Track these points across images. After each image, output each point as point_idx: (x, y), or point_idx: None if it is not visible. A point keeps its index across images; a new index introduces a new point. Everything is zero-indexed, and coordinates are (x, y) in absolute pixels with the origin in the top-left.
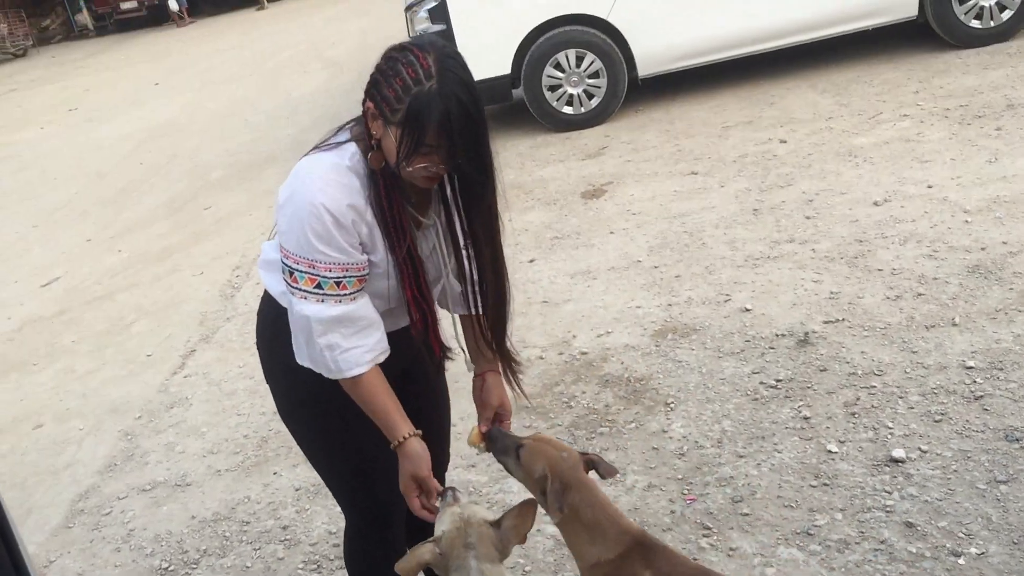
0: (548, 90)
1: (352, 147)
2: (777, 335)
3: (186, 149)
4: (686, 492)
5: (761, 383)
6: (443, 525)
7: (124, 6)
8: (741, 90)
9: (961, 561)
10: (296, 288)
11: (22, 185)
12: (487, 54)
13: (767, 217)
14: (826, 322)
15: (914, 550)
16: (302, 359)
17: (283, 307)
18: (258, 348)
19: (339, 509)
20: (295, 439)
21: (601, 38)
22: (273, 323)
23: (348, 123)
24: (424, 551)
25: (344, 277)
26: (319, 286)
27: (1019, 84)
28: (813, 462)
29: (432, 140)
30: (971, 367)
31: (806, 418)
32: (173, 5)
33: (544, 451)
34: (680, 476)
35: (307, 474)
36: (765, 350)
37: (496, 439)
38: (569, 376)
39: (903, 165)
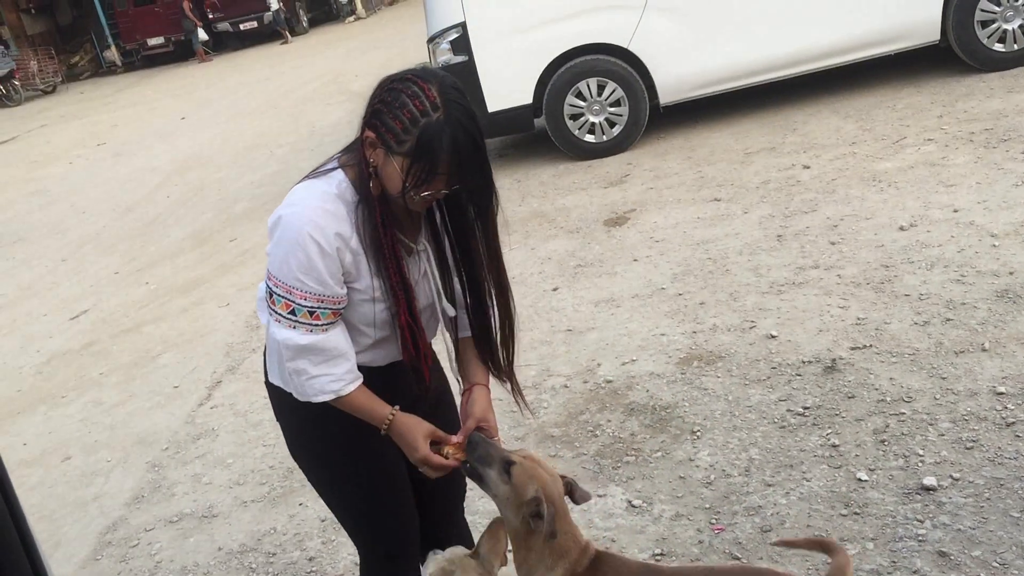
0: (570, 119)
1: (340, 174)
2: (804, 362)
3: (212, 181)
4: (714, 522)
5: (788, 410)
6: (429, 569)
7: (151, 42)
8: (763, 116)
9: None
10: (273, 310)
11: (51, 219)
12: (509, 84)
13: (791, 243)
14: (853, 348)
15: None
16: (274, 377)
17: None
18: (267, 388)
19: None
20: (306, 476)
21: (622, 66)
22: (271, 360)
23: (336, 153)
24: None
25: (319, 308)
26: (293, 312)
27: None
28: (843, 490)
29: (444, 169)
30: (1002, 393)
31: (835, 446)
32: (198, 42)
33: (538, 474)
34: (708, 505)
35: None
36: (792, 377)
37: (477, 445)
38: (594, 405)
39: (928, 189)
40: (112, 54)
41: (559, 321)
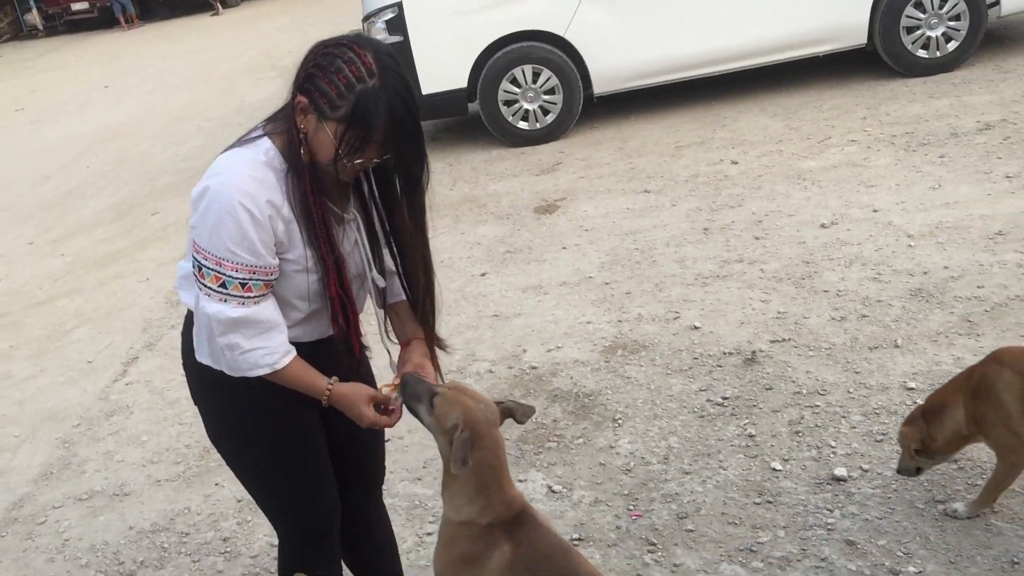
0: (504, 105)
1: (266, 142)
2: (725, 353)
3: (135, 153)
4: (632, 508)
5: (708, 400)
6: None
7: (75, 7)
8: (694, 111)
9: None
10: (202, 284)
11: None
12: (444, 67)
13: (717, 236)
14: (773, 341)
15: (854, 568)
16: (202, 356)
17: None
18: (184, 369)
19: None
20: (224, 459)
21: (558, 55)
22: (189, 340)
23: (261, 123)
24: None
25: (250, 279)
26: (224, 285)
27: (963, 113)
28: (757, 479)
29: (378, 136)
30: (912, 388)
31: (751, 436)
32: (119, 9)
33: (460, 400)
34: (626, 492)
35: None
36: (713, 368)
37: (409, 384)
38: (518, 390)
39: (850, 189)
40: (33, 17)
41: (486, 306)
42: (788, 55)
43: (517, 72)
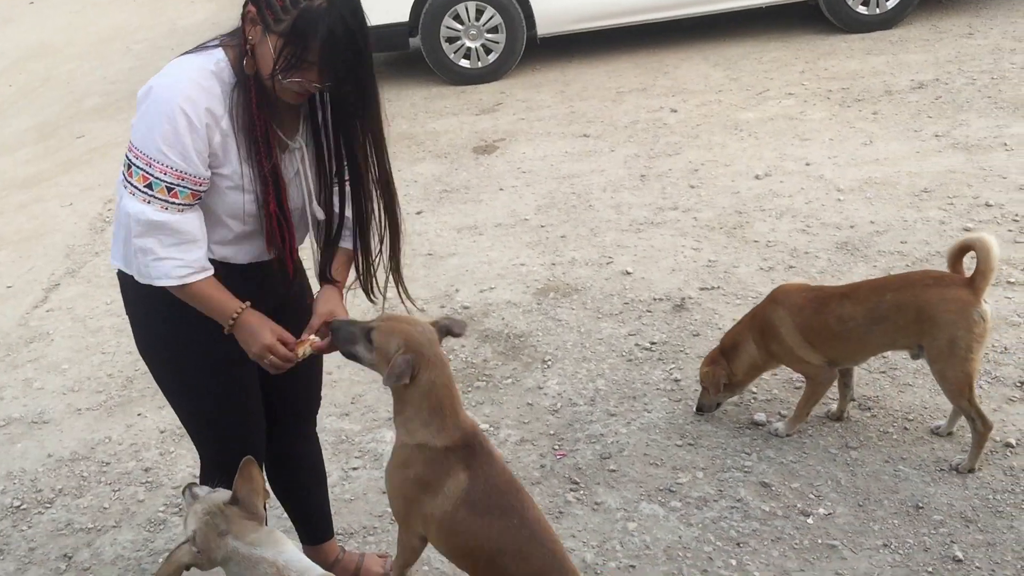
0: (446, 42)
1: (220, 53)
2: (655, 299)
3: (61, 73)
4: (557, 447)
5: (636, 345)
6: (192, 525)
7: None
8: (637, 57)
9: (810, 520)
10: (129, 182)
11: None
12: (385, 0)
13: (654, 184)
14: (702, 289)
15: (767, 508)
16: (115, 258)
17: None
18: (119, 277)
19: None
20: (152, 375)
21: None
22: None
23: (222, 34)
24: (182, 553)
25: (177, 185)
26: (150, 186)
27: (898, 71)
28: (680, 423)
29: (313, 57)
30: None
31: (677, 380)
32: None
33: (399, 328)
34: (552, 432)
35: (172, 416)
36: (642, 313)
37: (339, 328)
38: None
39: (785, 142)
40: None
41: (420, 245)
42: (732, 5)
43: (460, 9)
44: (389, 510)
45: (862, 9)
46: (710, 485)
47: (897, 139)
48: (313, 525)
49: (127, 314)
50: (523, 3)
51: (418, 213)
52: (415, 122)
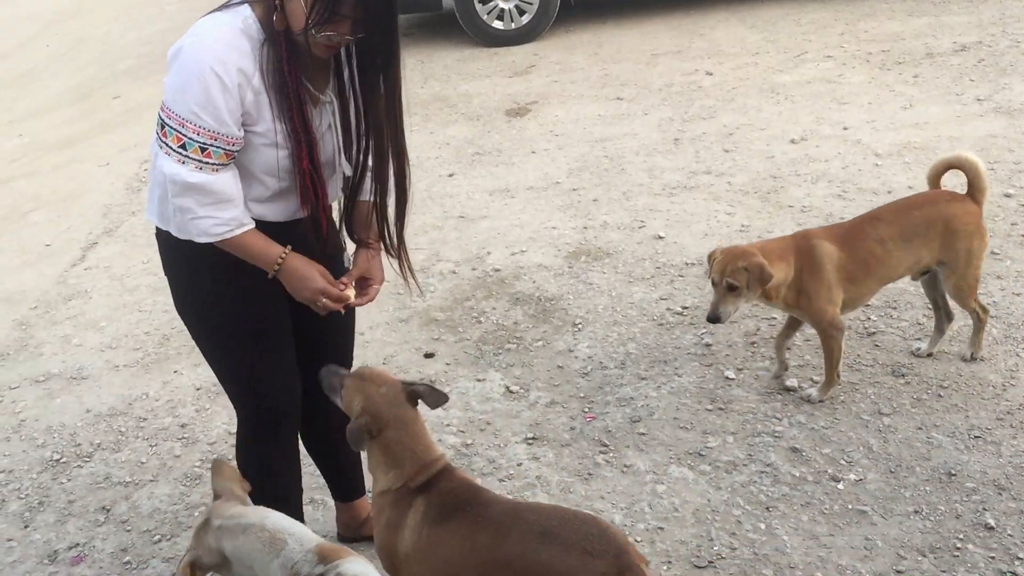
0: (479, 2)
1: (246, 10)
2: (687, 264)
3: (96, 35)
4: (587, 410)
5: (668, 309)
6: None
7: None
8: (672, 19)
9: (840, 486)
10: (163, 142)
11: None
12: None
13: (687, 147)
14: None
15: (797, 473)
16: (151, 214)
17: None
18: (157, 237)
19: None
20: (191, 333)
21: None
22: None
23: None
24: (184, 557)
25: (211, 145)
26: (184, 147)
27: (940, 33)
28: (710, 387)
29: (347, 10)
30: (868, 304)
31: (708, 345)
32: None
33: (361, 388)
34: (582, 395)
35: (208, 374)
36: (674, 277)
37: (324, 377)
38: (480, 292)
39: (822, 105)
40: None
41: (452, 207)
42: None
43: None
44: None
45: None
46: (740, 449)
47: (937, 103)
48: (345, 482)
49: (164, 273)
50: None
51: (450, 175)
52: (447, 84)
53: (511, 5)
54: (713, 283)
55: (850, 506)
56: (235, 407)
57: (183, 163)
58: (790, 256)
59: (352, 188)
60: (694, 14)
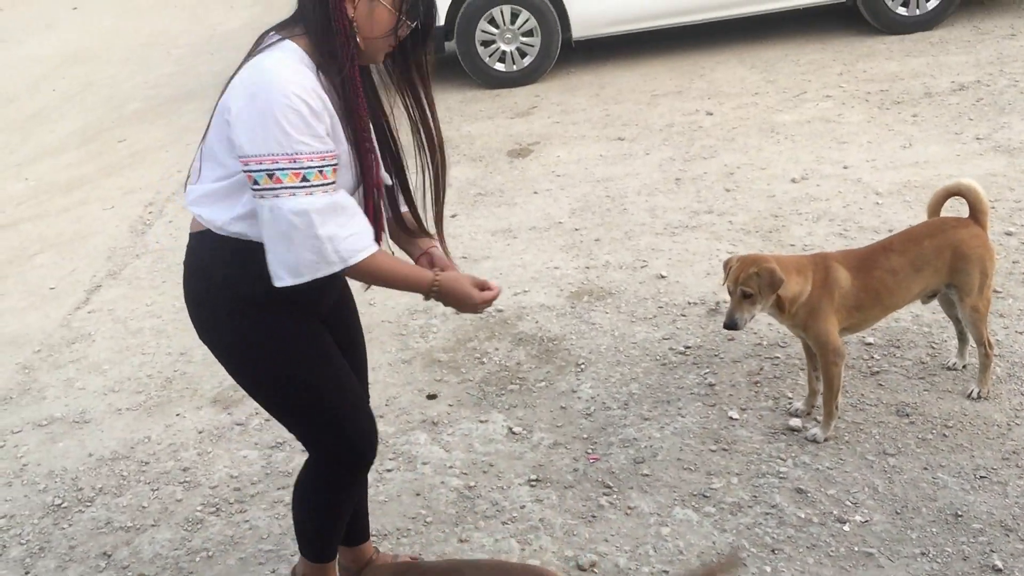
0: (481, 45)
1: (290, 44)
2: (689, 303)
3: (103, 78)
4: (590, 451)
5: (671, 349)
6: None
7: None
8: (672, 60)
9: (846, 528)
10: (281, 188)
11: None
12: None
13: (688, 187)
14: None
15: (803, 515)
16: (283, 272)
17: (229, 242)
18: (191, 303)
19: (243, 454)
20: (251, 390)
21: None
22: (212, 266)
23: (267, 32)
24: None
25: (324, 165)
26: (305, 179)
27: (938, 73)
28: (714, 427)
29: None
30: (870, 343)
31: (711, 385)
32: None
33: None
34: (585, 435)
35: (211, 417)
36: (677, 317)
37: None
38: (483, 332)
39: (822, 145)
40: None
41: (455, 248)
42: (770, 7)
43: (496, 12)
44: (423, 512)
45: (902, 10)
46: (744, 491)
47: (937, 142)
48: (352, 526)
49: (208, 338)
50: (558, 6)
51: (452, 216)
52: (450, 126)
53: (513, 47)
54: (728, 291)
55: (856, 548)
56: (309, 449)
57: (311, 194)
58: (808, 272)
59: (399, 196)
60: (694, 55)
